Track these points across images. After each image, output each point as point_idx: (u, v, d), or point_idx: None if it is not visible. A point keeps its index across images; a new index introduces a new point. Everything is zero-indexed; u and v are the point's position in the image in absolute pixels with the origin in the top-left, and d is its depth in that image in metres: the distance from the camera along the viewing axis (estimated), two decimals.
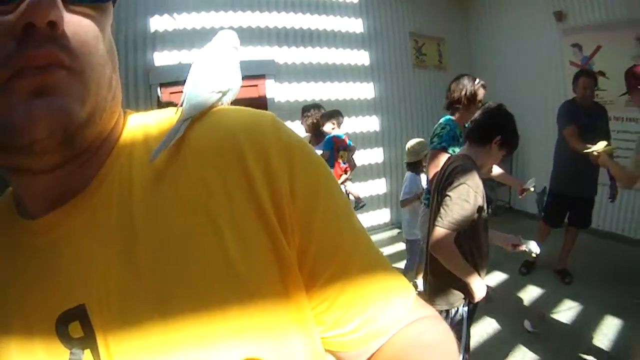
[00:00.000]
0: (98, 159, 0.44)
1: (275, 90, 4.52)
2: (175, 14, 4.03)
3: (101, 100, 0.40)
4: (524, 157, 5.37)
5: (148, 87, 3.92)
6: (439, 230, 1.62)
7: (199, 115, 0.48)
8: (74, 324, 0.39)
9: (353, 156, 3.69)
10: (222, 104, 0.54)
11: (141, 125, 0.49)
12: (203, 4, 4.12)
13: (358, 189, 4.25)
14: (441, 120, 2.58)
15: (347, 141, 3.57)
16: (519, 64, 5.32)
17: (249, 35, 4.32)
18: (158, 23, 3.97)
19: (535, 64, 5.14)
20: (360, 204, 3.80)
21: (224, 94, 0.54)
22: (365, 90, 5.08)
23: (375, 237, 4.91)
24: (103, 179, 0.43)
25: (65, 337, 0.39)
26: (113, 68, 0.43)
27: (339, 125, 3.52)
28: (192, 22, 4.08)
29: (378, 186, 5.18)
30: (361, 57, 5.04)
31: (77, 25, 0.37)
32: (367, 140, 5.12)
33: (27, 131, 0.35)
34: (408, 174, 3.37)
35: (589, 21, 4.55)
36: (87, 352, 0.39)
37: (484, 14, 5.80)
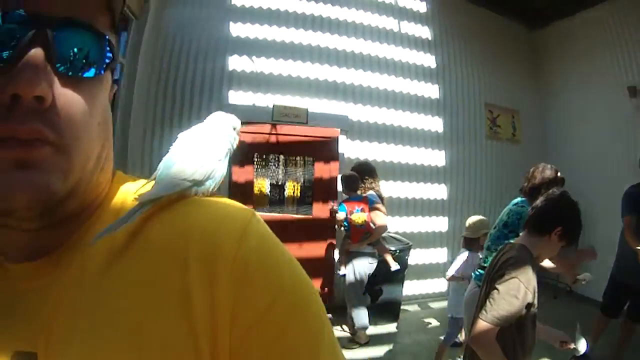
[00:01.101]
0: (78, 223, 0.43)
1: (346, 147, 4.46)
2: (254, 57, 4.07)
3: (87, 173, 0.40)
4: (590, 240, 4.93)
5: None
6: (482, 324, 1.55)
7: (166, 204, 0.45)
8: None
9: (377, 214, 3.56)
10: (198, 194, 0.49)
11: (124, 193, 0.47)
12: (283, 51, 4.17)
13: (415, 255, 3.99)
14: (518, 201, 2.59)
15: (369, 199, 3.54)
16: (591, 140, 5.18)
17: (324, 89, 4.34)
18: (236, 63, 4.01)
19: (607, 140, 4.99)
20: (391, 269, 3.69)
21: (200, 183, 0.49)
22: (436, 157, 4.99)
23: (430, 305, 4.74)
24: (74, 245, 0.42)
25: None
26: (105, 140, 0.42)
27: (347, 188, 3.60)
28: (270, 67, 4.12)
29: (439, 255, 4.97)
30: (435, 123, 4.99)
31: (67, 98, 0.36)
32: (434, 208, 4.98)
33: (5, 201, 0.34)
34: (464, 251, 3.22)
35: None
36: None
37: (557, 88, 5.76)
